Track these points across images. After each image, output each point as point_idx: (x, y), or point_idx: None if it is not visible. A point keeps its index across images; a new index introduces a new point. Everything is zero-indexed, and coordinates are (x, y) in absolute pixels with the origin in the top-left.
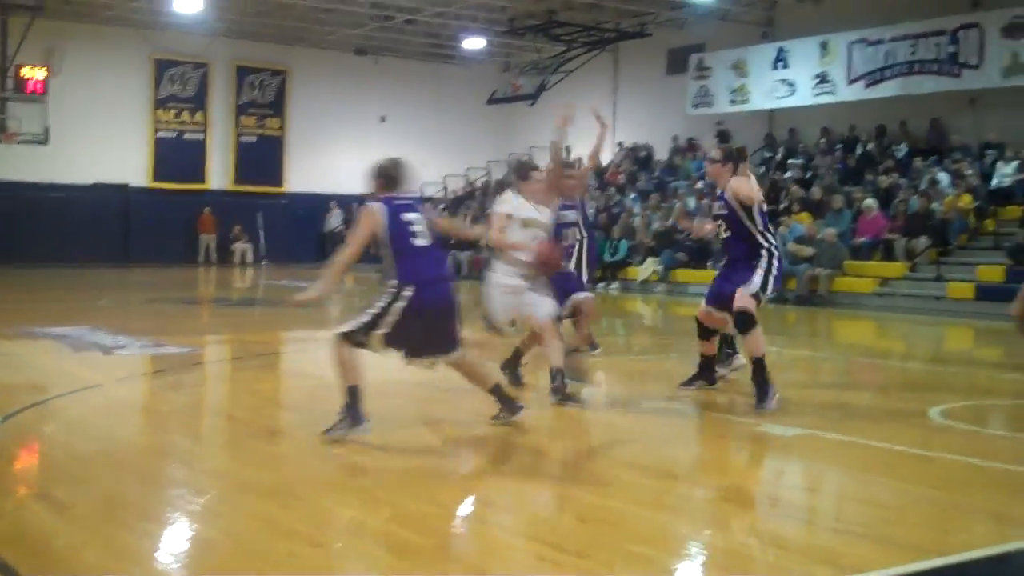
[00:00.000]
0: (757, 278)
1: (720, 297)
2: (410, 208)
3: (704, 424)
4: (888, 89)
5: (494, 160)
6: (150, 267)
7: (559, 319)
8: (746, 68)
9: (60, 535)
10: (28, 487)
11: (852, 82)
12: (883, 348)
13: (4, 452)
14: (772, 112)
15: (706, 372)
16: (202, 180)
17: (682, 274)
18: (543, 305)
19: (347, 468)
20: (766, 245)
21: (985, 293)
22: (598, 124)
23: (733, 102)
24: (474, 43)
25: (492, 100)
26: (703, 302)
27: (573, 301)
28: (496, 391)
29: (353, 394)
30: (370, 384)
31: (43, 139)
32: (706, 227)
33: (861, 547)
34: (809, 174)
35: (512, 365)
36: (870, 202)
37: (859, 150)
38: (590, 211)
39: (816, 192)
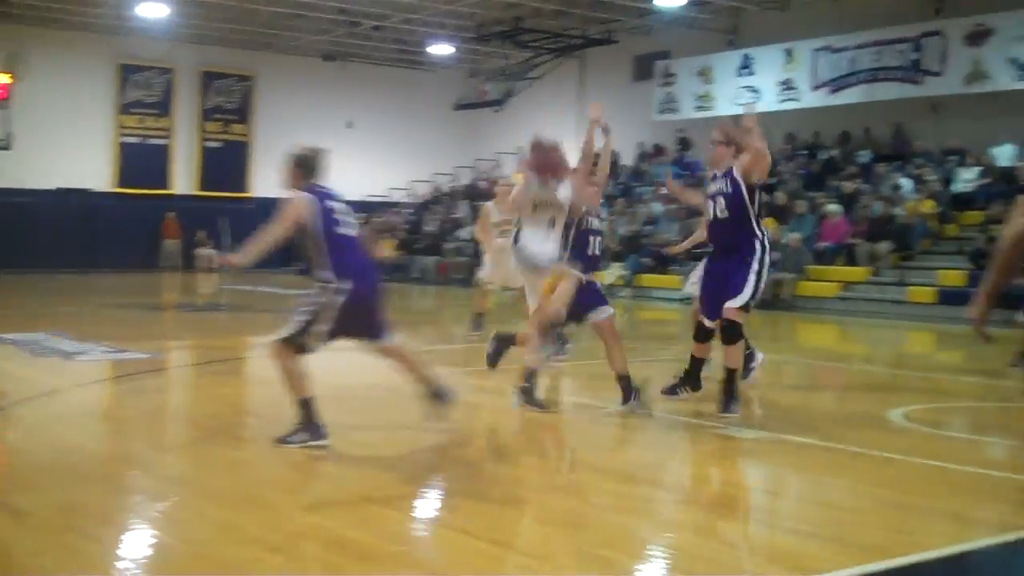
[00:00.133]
0: (749, 288)
1: (717, 302)
2: (334, 197)
3: (665, 427)
4: (852, 96)
5: (461, 166)
6: (114, 272)
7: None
8: (711, 75)
9: (18, 542)
10: None
11: (816, 88)
12: (845, 352)
13: None
14: (737, 118)
15: (693, 378)
16: (167, 185)
17: (648, 279)
18: (553, 300)
19: (308, 473)
20: (759, 235)
21: (947, 297)
22: (604, 134)
23: (698, 108)
24: (441, 49)
25: (459, 106)
26: (697, 304)
27: (592, 322)
28: (425, 379)
29: (307, 406)
30: (327, 388)
31: (6, 144)
32: (693, 197)
33: (820, 548)
34: (773, 179)
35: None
36: (833, 207)
37: (823, 156)
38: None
39: (780, 197)
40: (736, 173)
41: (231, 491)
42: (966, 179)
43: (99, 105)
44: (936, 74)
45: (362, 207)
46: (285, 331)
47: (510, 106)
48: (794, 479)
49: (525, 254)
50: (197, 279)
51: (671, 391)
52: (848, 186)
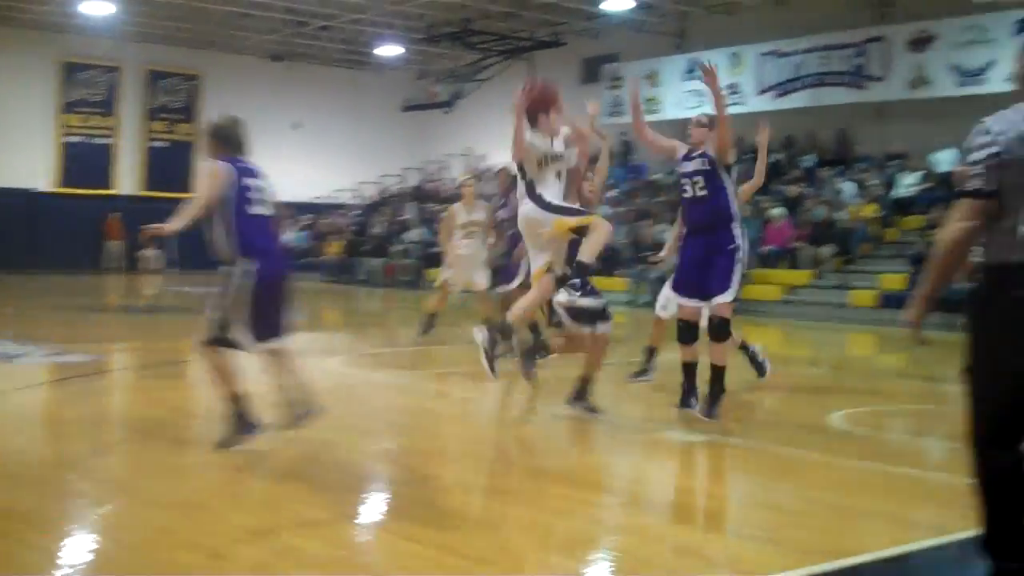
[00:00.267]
0: (735, 281)
1: (702, 291)
2: (253, 173)
3: (610, 431)
4: (797, 100)
5: (409, 167)
6: (56, 273)
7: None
8: (659, 78)
9: None
10: None
11: (762, 92)
12: (787, 355)
13: None
14: (684, 122)
15: (692, 385)
16: (111, 185)
17: (596, 282)
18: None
19: (250, 477)
20: (735, 217)
21: (888, 301)
22: (600, 138)
23: (645, 112)
24: (390, 50)
25: (407, 107)
26: (677, 297)
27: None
28: (296, 393)
29: (236, 401)
30: (267, 391)
31: None
32: (660, 139)
33: (761, 551)
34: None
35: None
36: (778, 211)
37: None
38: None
39: None
40: (711, 152)
41: (171, 495)
42: (907, 184)
43: (42, 103)
44: (880, 79)
45: (309, 208)
46: (203, 332)
47: (459, 108)
48: (736, 482)
49: (554, 205)
50: (140, 281)
51: (685, 404)
52: (792, 190)
